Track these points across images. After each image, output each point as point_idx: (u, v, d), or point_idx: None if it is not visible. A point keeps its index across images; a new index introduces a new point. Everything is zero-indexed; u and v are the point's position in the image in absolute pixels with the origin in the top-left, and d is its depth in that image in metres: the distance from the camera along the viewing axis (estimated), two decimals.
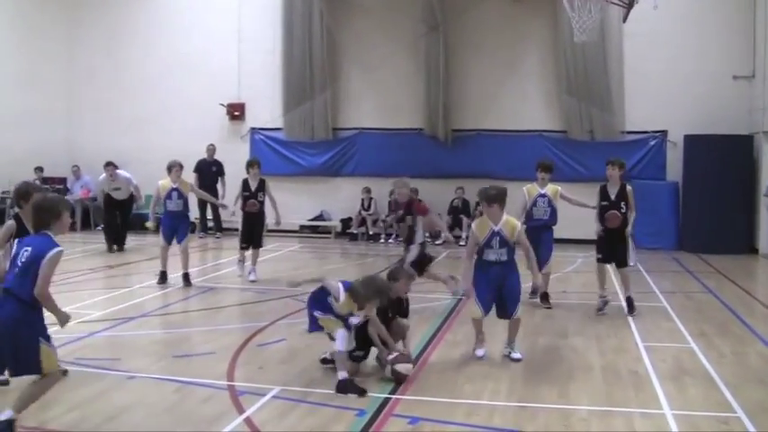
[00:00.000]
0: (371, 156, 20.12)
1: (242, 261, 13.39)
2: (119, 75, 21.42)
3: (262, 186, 13.21)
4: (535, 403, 6.76)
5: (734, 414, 6.50)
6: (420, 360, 8.04)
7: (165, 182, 12.76)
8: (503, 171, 18.90)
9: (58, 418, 6.22)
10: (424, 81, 19.68)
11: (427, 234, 18.89)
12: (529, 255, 8.11)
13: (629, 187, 10.61)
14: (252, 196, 13.15)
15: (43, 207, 5.68)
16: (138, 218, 18.45)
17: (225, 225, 19.54)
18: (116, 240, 17.08)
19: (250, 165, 13.40)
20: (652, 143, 18.92)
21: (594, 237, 10.79)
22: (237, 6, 20.73)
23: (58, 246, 5.56)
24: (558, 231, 11.42)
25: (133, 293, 11.96)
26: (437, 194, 19.72)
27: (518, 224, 8.04)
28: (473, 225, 8.16)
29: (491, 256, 7.93)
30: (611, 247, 10.48)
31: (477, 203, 19.12)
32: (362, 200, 19.77)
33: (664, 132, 18.86)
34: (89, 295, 11.40)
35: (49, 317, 5.68)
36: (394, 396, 6.90)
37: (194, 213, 18.07)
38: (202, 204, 19.34)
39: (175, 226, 12.73)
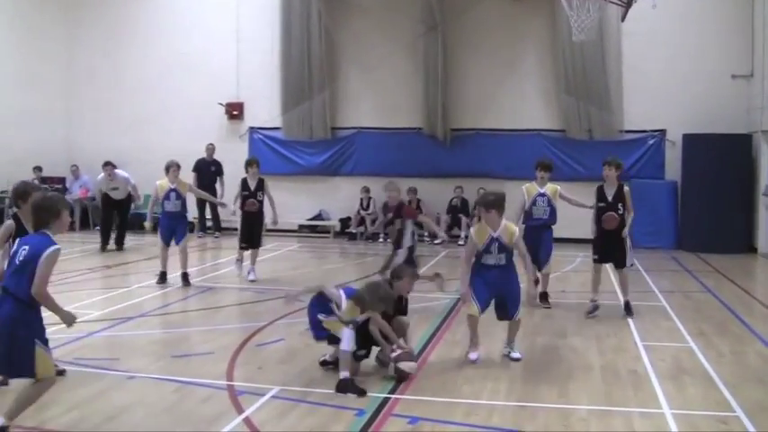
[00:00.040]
0: (370, 155, 20.12)
1: (240, 260, 13.36)
2: (118, 74, 21.42)
3: (261, 186, 13.19)
4: (534, 403, 6.76)
5: (733, 413, 6.50)
6: (419, 360, 8.02)
7: (164, 182, 12.74)
8: (501, 170, 18.96)
9: (56, 418, 6.21)
10: (423, 80, 19.68)
11: (426, 234, 19.01)
12: (525, 261, 8.08)
13: (626, 188, 10.54)
14: (251, 196, 13.13)
15: (43, 206, 5.66)
16: (136, 218, 18.45)
17: (224, 225, 19.54)
18: (115, 240, 17.13)
19: (249, 164, 13.36)
20: (651, 142, 18.93)
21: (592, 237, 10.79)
22: (236, 6, 20.73)
23: (55, 244, 5.53)
24: (558, 231, 11.42)
25: (132, 293, 11.96)
26: (436, 194, 19.77)
27: (516, 230, 8.00)
28: (472, 230, 8.12)
29: (489, 260, 7.93)
30: (608, 248, 10.43)
31: (476, 206, 19.19)
32: (361, 199, 19.77)
33: (662, 131, 18.87)
34: (87, 295, 11.40)
35: (50, 317, 5.65)
36: (393, 396, 6.90)
37: (193, 213, 18.09)
38: (201, 204, 19.34)
39: (173, 226, 12.73)
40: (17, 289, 5.43)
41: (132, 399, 6.80)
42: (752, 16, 18.06)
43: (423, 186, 19.79)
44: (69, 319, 5.71)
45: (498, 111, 19.55)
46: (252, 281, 12.94)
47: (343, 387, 6.88)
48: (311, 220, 20.59)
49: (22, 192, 6.89)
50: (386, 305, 7.44)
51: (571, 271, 14.19)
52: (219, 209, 18.51)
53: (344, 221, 20.25)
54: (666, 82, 18.50)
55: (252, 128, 20.92)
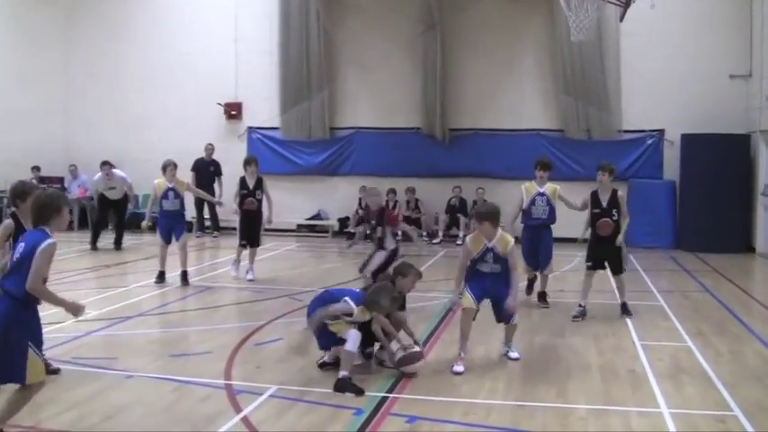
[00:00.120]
0: (368, 155, 20.11)
1: (237, 262, 13.26)
2: (116, 74, 21.39)
3: (259, 184, 13.18)
4: (533, 402, 6.76)
5: (731, 412, 6.51)
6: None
7: (161, 181, 12.74)
8: (500, 170, 18.97)
9: (54, 417, 6.21)
10: (422, 80, 19.67)
11: (425, 233, 19.02)
12: (513, 274, 7.92)
13: (620, 193, 10.45)
14: (250, 194, 13.10)
15: (44, 202, 5.63)
16: (134, 217, 18.46)
17: (222, 224, 19.53)
18: (114, 240, 17.17)
19: (248, 162, 13.33)
20: (649, 142, 18.93)
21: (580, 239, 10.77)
22: (234, 6, 20.71)
23: (51, 238, 5.48)
24: (557, 230, 11.39)
25: (130, 293, 11.95)
26: (434, 194, 19.77)
27: (511, 241, 7.92)
28: (467, 239, 8.09)
29: (485, 268, 7.91)
30: (602, 255, 10.37)
31: (475, 202, 19.18)
32: (360, 199, 19.74)
33: (661, 131, 18.86)
34: (86, 294, 11.37)
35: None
36: (391, 395, 6.90)
37: (191, 213, 18.08)
38: (199, 203, 19.33)
39: (172, 225, 12.74)
40: (13, 287, 5.39)
41: (130, 398, 6.80)
42: (750, 16, 18.06)
43: (421, 186, 19.80)
44: (76, 309, 5.64)
45: (497, 110, 19.54)
46: (250, 280, 12.93)
47: (342, 386, 6.89)
48: (310, 219, 20.58)
49: (20, 191, 6.88)
50: (396, 305, 7.60)
51: (570, 271, 14.19)
52: (218, 208, 18.51)
53: (343, 221, 20.24)
54: (665, 82, 18.50)
55: (250, 128, 20.90)
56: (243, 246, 13.19)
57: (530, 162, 11.64)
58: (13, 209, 7.10)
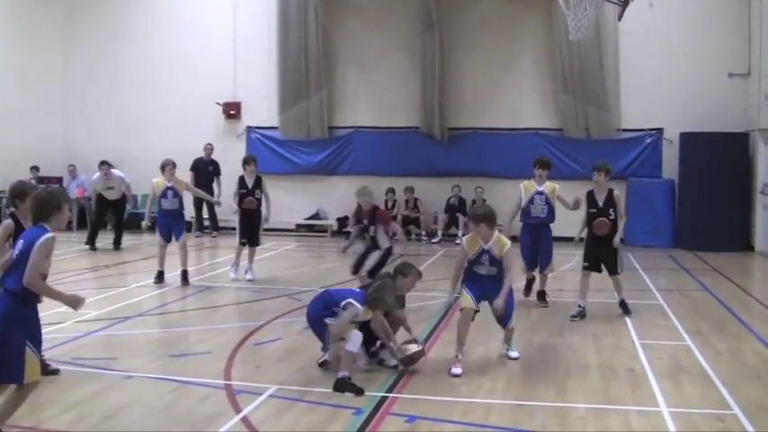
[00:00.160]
0: (367, 154, 20.11)
1: (236, 265, 13.15)
2: (115, 74, 21.38)
3: (258, 183, 13.14)
4: (532, 402, 6.76)
5: (730, 411, 6.52)
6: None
7: (160, 180, 12.75)
8: (499, 169, 18.98)
9: (54, 417, 6.21)
10: (420, 79, 19.67)
11: (424, 233, 19.05)
12: (506, 278, 7.83)
13: (616, 192, 10.40)
14: (249, 193, 13.05)
15: (45, 199, 5.62)
16: (133, 217, 18.47)
17: (221, 224, 19.53)
18: (113, 240, 17.18)
19: (246, 162, 13.27)
20: (648, 141, 18.94)
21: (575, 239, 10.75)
22: (233, 6, 20.70)
23: (49, 232, 5.47)
24: (556, 229, 11.37)
25: (129, 293, 11.95)
26: (433, 193, 19.77)
27: (508, 243, 7.86)
28: (464, 240, 8.08)
29: (481, 270, 7.89)
30: (599, 255, 10.34)
31: (474, 202, 19.19)
32: None
33: (659, 130, 18.87)
34: (85, 295, 11.29)
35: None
36: (391, 395, 6.91)
37: (190, 213, 18.08)
38: (198, 203, 19.33)
39: (171, 224, 12.75)
40: (12, 284, 5.38)
41: (130, 398, 6.80)
42: (749, 15, 18.07)
43: (420, 185, 19.81)
44: (75, 302, 5.64)
45: (496, 110, 19.55)
46: (249, 280, 12.93)
47: (341, 386, 6.89)
48: (308, 219, 20.58)
49: (19, 191, 6.87)
50: (398, 303, 7.64)
51: (569, 270, 14.19)
52: (217, 208, 18.52)
53: (342, 221, 20.22)
54: (663, 81, 18.51)
55: (249, 127, 20.90)
56: (243, 244, 13.12)
57: (529, 161, 11.63)
58: (12, 209, 7.10)
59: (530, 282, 11.39)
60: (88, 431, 6.00)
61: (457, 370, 7.56)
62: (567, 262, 14.66)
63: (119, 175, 17.56)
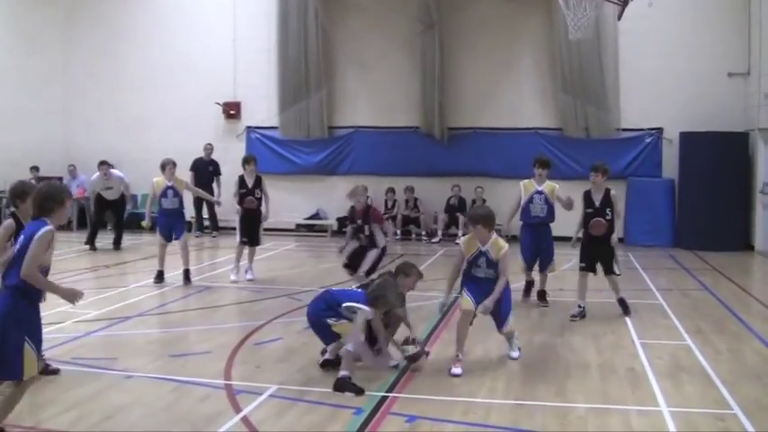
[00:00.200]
0: (367, 154, 20.12)
1: (237, 266, 13.01)
2: (115, 74, 21.39)
3: (258, 183, 13.09)
4: (532, 401, 6.76)
5: (730, 411, 6.52)
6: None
7: (160, 179, 12.75)
8: (499, 169, 18.98)
9: (54, 417, 6.21)
10: (420, 79, 19.67)
11: (424, 232, 19.06)
12: (500, 281, 7.76)
13: (613, 192, 10.40)
14: (249, 193, 12.99)
15: (47, 194, 5.59)
16: (133, 217, 18.47)
17: (221, 224, 19.53)
18: (113, 240, 17.19)
19: (246, 161, 13.22)
20: (648, 140, 18.94)
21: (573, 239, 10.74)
22: (232, 5, 20.70)
23: (48, 225, 5.45)
24: (556, 229, 11.36)
25: (129, 293, 11.95)
26: (433, 193, 19.78)
27: (505, 246, 7.80)
28: (462, 241, 8.08)
29: (479, 273, 7.86)
30: (595, 255, 10.32)
31: (474, 201, 19.19)
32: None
33: (659, 130, 18.87)
34: (85, 294, 11.32)
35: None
36: (391, 394, 6.91)
37: (190, 212, 18.08)
38: (198, 203, 19.34)
39: (172, 224, 12.76)
40: (12, 279, 5.38)
41: (130, 398, 6.80)
42: (748, 14, 18.07)
43: (420, 185, 19.82)
44: (73, 296, 5.63)
45: (495, 109, 19.55)
46: (249, 280, 12.93)
47: (342, 385, 6.89)
48: (308, 219, 20.58)
49: (20, 191, 6.87)
50: (400, 301, 7.67)
51: (569, 270, 14.18)
52: (217, 207, 18.52)
53: (342, 220, 20.21)
54: (663, 80, 18.51)
55: (249, 127, 20.91)
56: (243, 243, 13.03)
57: (529, 161, 11.60)
58: (13, 209, 7.10)
59: (529, 284, 11.35)
60: (88, 431, 6.00)
61: (457, 370, 7.54)
62: (568, 261, 14.65)
63: (118, 175, 17.56)
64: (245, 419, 6.24)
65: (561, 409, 6.61)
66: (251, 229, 13.07)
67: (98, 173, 17.40)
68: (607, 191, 10.35)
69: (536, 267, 11.31)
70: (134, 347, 8.64)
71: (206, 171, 19.43)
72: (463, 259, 7.94)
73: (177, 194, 12.76)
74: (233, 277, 12.97)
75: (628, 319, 10.09)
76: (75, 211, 20.00)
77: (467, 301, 7.82)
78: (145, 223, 13.35)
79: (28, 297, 5.40)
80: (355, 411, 6.41)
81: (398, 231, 19.63)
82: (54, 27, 21.55)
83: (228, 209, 14.44)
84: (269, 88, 20.49)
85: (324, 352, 7.76)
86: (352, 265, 10.93)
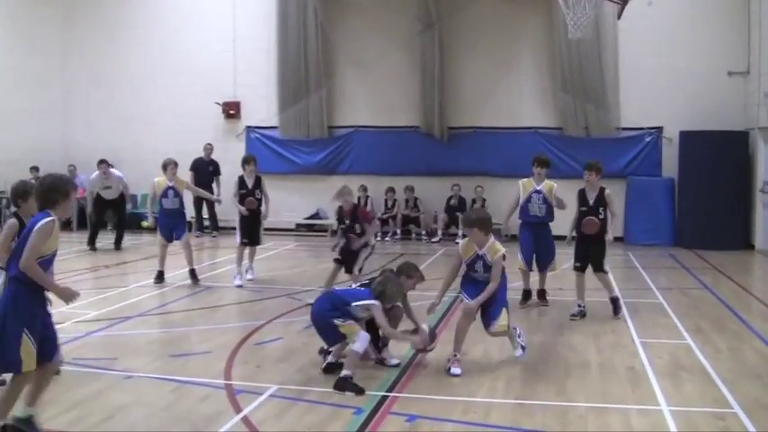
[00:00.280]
0: (367, 154, 20.12)
1: (240, 272, 12.79)
2: (114, 74, 21.40)
3: (258, 183, 12.99)
4: (532, 400, 6.76)
5: (730, 410, 6.52)
6: (416, 358, 8.05)
7: (161, 179, 12.74)
8: (499, 168, 18.97)
9: (54, 417, 6.20)
10: (420, 79, 19.67)
11: (424, 232, 19.06)
12: (491, 284, 7.70)
13: (607, 191, 10.36)
14: (249, 193, 12.87)
15: (52, 185, 5.56)
16: (134, 217, 18.47)
17: (221, 224, 19.53)
18: (114, 240, 17.21)
19: (246, 161, 13.09)
20: (647, 139, 18.94)
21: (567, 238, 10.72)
22: (232, 5, 20.70)
23: (50, 216, 5.43)
24: (556, 229, 11.35)
25: (130, 293, 11.96)
26: (433, 192, 19.77)
27: (500, 251, 7.73)
28: (461, 244, 8.05)
29: (477, 276, 7.85)
30: (587, 254, 10.30)
31: (474, 201, 19.20)
32: (359, 198, 19.73)
33: (659, 129, 18.88)
34: (85, 295, 11.31)
35: (56, 315, 5.61)
36: (391, 394, 6.91)
37: (190, 212, 18.07)
38: (198, 203, 19.34)
39: (173, 224, 12.76)
40: (13, 270, 5.38)
41: (130, 398, 6.80)
42: (748, 13, 18.07)
43: (420, 185, 19.82)
44: (67, 295, 5.58)
45: (495, 109, 19.55)
46: (249, 279, 12.91)
47: (343, 385, 6.90)
48: (308, 218, 20.58)
49: (21, 191, 6.88)
50: (401, 297, 7.70)
51: (568, 269, 14.17)
52: (217, 207, 18.53)
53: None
54: (663, 79, 18.51)
55: (249, 127, 20.91)
56: (244, 244, 12.93)
57: (528, 160, 11.52)
58: (15, 209, 7.11)
59: (526, 293, 11.22)
60: (88, 431, 6.00)
61: (456, 369, 7.54)
62: (568, 260, 14.64)
63: (117, 174, 17.58)
64: (245, 419, 6.24)
65: (561, 408, 6.61)
66: (251, 230, 12.96)
67: (97, 172, 17.42)
68: (601, 189, 10.33)
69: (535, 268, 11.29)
70: (134, 347, 8.64)
71: (206, 171, 19.43)
72: (461, 262, 7.95)
73: (178, 195, 12.76)
74: (237, 282, 12.65)
75: (628, 319, 10.09)
76: (75, 211, 19.99)
77: (467, 304, 7.83)
78: (148, 222, 13.33)
79: (30, 287, 5.39)
80: (355, 411, 6.41)
81: (398, 231, 19.65)
82: (53, 27, 21.56)
83: (229, 208, 14.40)
84: (269, 88, 20.50)
85: (321, 351, 7.77)
86: (345, 263, 10.93)
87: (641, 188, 18.53)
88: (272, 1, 20.34)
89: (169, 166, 12.77)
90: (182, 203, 12.91)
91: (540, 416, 6.42)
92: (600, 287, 10.75)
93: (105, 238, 17.64)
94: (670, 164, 18.67)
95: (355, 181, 19.76)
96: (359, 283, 8.34)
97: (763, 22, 17.15)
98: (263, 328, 9.58)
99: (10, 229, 6.80)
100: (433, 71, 19.44)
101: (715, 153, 17.45)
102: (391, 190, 19.69)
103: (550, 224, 11.16)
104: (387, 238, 19.34)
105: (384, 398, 6.78)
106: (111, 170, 17.53)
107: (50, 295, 5.74)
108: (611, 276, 10.68)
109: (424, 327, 7.82)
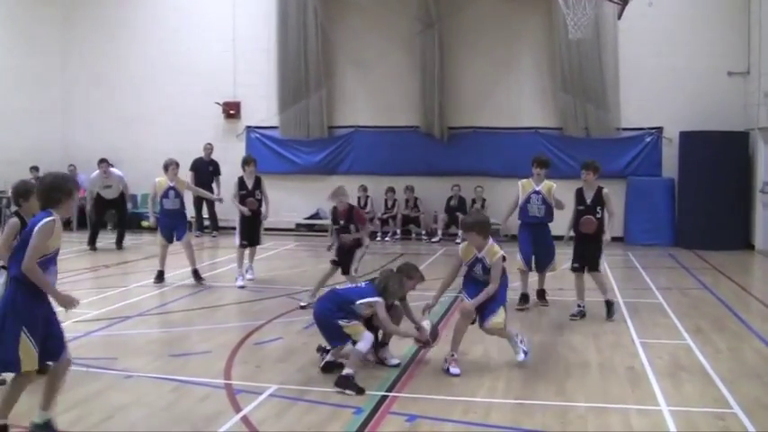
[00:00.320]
0: (367, 154, 20.14)
1: (242, 273, 12.74)
2: (114, 74, 21.41)
3: (258, 184, 12.94)
4: (532, 400, 6.76)
5: (730, 410, 6.52)
6: (416, 358, 8.05)
7: (163, 180, 12.74)
8: (499, 168, 18.98)
9: (54, 417, 6.19)
10: (420, 79, 19.68)
11: (423, 232, 19.06)
12: (490, 287, 7.67)
13: (605, 190, 10.35)
14: (249, 194, 12.81)
15: (54, 184, 5.51)
16: (134, 217, 18.46)
17: (221, 224, 19.53)
18: (115, 240, 17.24)
19: (246, 163, 13.02)
20: (648, 140, 18.95)
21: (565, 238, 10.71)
22: (232, 5, 20.71)
23: (51, 216, 5.40)
24: (555, 229, 11.34)
25: (129, 292, 11.96)
26: (433, 192, 19.78)
27: (498, 253, 7.70)
28: (461, 246, 8.04)
29: (478, 277, 7.85)
30: (584, 253, 10.31)
31: (474, 201, 19.21)
32: (359, 198, 19.74)
33: (659, 129, 18.89)
34: (85, 294, 11.34)
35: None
36: (391, 394, 6.91)
37: (190, 212, 18.06)
38: (198, 203, 19.35)
39: (173, 224, 12.76)
40: (14, 270, 5.38)
41: (130, 398, 6.80)
42: (748, 13, 18.09)
43: (420, 185, 19.83)
44: (67, 302, 5.55)
45: (495, 109, 19.56)
46: (249, 279, 12.91)
47: (344, 383, 6.90)
48: (308, 218, 20.59)
49: (23, 191, 6.89)
50: (403, 292, 7.76)
51: (568, 268, 14.17)
52: (219, 206, 18.52)
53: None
54: (663, 79, 18.52)
55: (249, 127, 20.92)
56: (243, 246, 12.87)
57: (528, 160, 11.51)
58: (16, 208, 7.12)
59: (524, 296, 11.18)
60: (88, 431, 6.00)
61: (455, 369, 7.54)
62: (567, 261, 14.65)
63: (118, 174, 17.59)
64: (245, 419, 6.24)
65: (561, 408, 6.61)
66: (251, 231, 12.89)
67: (98, 171, 17.43)
68: (599, 189, 10.33)
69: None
70: (134, 347, 8.64)
71: (206, 171, 19.43)
72: (460, 265, 7.96)
73: (179, 195, 12.75)
74: (240, 282, 12.60)
75: (628, 319, 10.10)
76: (75, 210, 19.96)
77: (466, 304, 7.83)
78: (149, 222, 13.33)
79: (28, 289, 5.38)
80: (355, 411, 6.41)
81: (398, 231, 19.66)
82: (53, 27, 21.57)
83: (229, 208, 14.38)
84: (269, 88, 20.50)
85: (319, 349, 7.77)
86: (342, 264, 10.93)
87: (641, 188, 18.54)
88: (272, 1, 20.35)
89: (170, 166, 12.76)
90: (182, 204, 12.91)
91: (540, 416, 6.42)
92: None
93: (105, 238, 17.64)
94: (670, 164, 18.68)
95: (355, 181, 19.79)
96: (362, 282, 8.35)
97: (763, 22, 17.17)
98: (263, 327, 9.58)
99: (11, 228, 6.80)
100: (433, 71, 19.44)
101: (715, 153, 17.45)
102: (391, 190, 19.70)
103: (550, 225, 11.14)
104: (387, 238, 19.35)
105: (384, 398, 6.78)
106: (112, 169, 17.55)
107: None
108: (606, 276, 10.63)
109: (427, 323, 7.82)
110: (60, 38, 21.67)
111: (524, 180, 11.16)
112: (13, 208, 7.17)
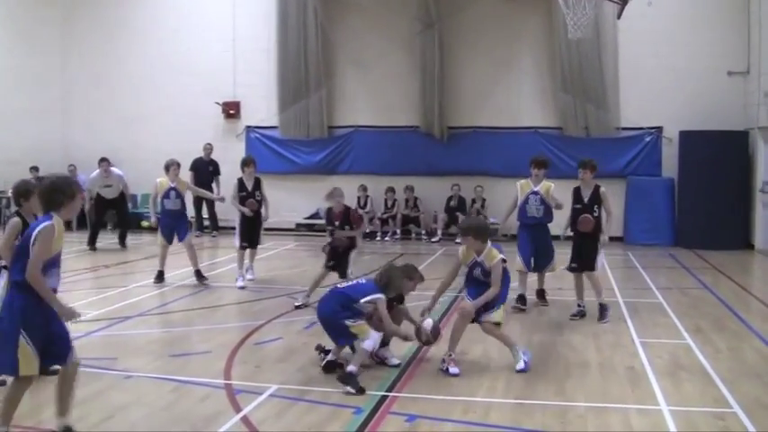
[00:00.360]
0: (367, 154, 20.13)
1: (242, 274, 12.70)
2: (114, 73, 21.41)
3: (258, 185, 12.89)
4: (532, 400, 6.77)
5: (730, 410, 6.52)
6: (416, 358, 8.06)
7: (164, 180, 12.73)
8: (499, 168, 18.98)
9: (54, 418, 6.19)
10: (420, 79, 19.68)
11: (423, 232, 19.05)
12: (491, 290, 7.67)
13: (602, 189, 10.33)
14: (249, 195, 12.75)
15: (56, 187, 5.45)
16: (134, 216, 18.46)
17: (221, 224, 19.53)
18: (118, 239, 17.28)
19: (245, 163, 12.95)
20: (647, 139, 18.95)
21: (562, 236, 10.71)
22: (232, 5, 20.71)
23: (51, 220, 5.37)
24: (554, 229, 11.33)
25: (130, 292, 11.96)
26: (433, 192, 19.78)
27: (497, 257, 7.70)
28: (461, 249, 8.03)
29: (478, 278, 7.85)
30: (582, 252, 10.29)
31: (474, 201, 19.21)
32: (359, 198, 19.76)
33: (659, 128, 18.88)
34: (85, 295, 11.39)
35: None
36: (391, 394, 6.91)
37: (190, 212, 18.05)
38: (198, 203, 19.35)
39: (174, 225, 12.75)
40: (15, 274, 5.37)
41: (130, 398, 6.80)
42: (748, 13, 18.08)
43: (420, 185, 19.82)
44: (68, 314, 5.48)
45: (495, 109, 19.56)
46: (249, 279, 12.90)
47: (347, 379, 6.92)
48: (308, 218, 20.58)
49: (23, 191, 6.90)
50: (402, 289, 7.81)
51: (568, 268, 14.17)
52: (220, 205, 18.50)
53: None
54: (663, 79, 18.52)
55: (248, 127, 20.92)
56: (243, 248, 12.80)
57: (528, 160, 11.55)
58: (17, 208, 7.12)
59: (521, 298, 11.15)
60: (88, 431, 6.00)
61: (455, 369, 7.54)
62: (567, 260, 14.65)
63: (118, 173, 17.60)
64: (245, 419, 6.24)
65: (561, 407, 6.61)
66: (251, 232, 12.83)
67: (98, 170, 17.44)
68: (596, 187, 10.32)
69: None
70: (134, 347, 8.64)
71: (206, 171, 19.43)
72: (459, 267, 7.96)
73: (180, 196, 12.74)
74: (240, 283, 12.54)
75: (627, 318, 10.10)
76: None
77: (466, 304, 7.83)
78: (150, 222, 13.34)
79: (28, 293, 5.35)
80: (355, 411, 6.41)
81: (398, 231, 19.65)
82: (53, 27, 21.57)
83: (229, 208, 14.36)
84: (268, 88, 20.50)
85: (318, 348, 7.77)
86: (337, 268, 10.96)
87: (641, 188, 18.54)
88: (272, 1, 20.34)
89: (172, 167, 12.75)
90: (183, 204, 12.90)
91: (540, 416, 6.42)
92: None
93: (105, 238, 17.65)
94: (670, 164, 18.68)
95: (355, 181, 19.79)
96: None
97: (763, 22, 17.16)
98: (263, 327, 9.58)
99: (13, 228, 6.81)
100: (433, 71, 19.44)
101: (715, 153, 17.45)
102: (391, 190, 19.70)
103: (549, 225, 11.13)
104: (387, 238, 19.35)
105: (384, 397, 6.78)
106: (112, 169, 17.56)
107: None
108: (601, 278, 10.60)
109: (428, 321, 7.81)
110: (60, 38, 21.67)
111: (523, 181, 11.15)
112: (14, 208, 7.17)
